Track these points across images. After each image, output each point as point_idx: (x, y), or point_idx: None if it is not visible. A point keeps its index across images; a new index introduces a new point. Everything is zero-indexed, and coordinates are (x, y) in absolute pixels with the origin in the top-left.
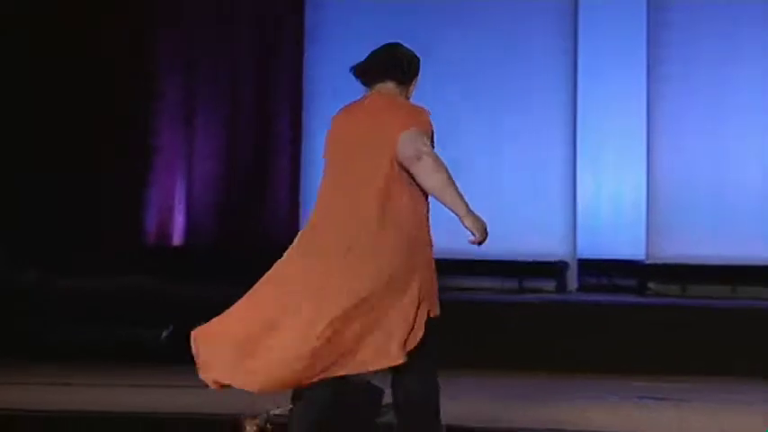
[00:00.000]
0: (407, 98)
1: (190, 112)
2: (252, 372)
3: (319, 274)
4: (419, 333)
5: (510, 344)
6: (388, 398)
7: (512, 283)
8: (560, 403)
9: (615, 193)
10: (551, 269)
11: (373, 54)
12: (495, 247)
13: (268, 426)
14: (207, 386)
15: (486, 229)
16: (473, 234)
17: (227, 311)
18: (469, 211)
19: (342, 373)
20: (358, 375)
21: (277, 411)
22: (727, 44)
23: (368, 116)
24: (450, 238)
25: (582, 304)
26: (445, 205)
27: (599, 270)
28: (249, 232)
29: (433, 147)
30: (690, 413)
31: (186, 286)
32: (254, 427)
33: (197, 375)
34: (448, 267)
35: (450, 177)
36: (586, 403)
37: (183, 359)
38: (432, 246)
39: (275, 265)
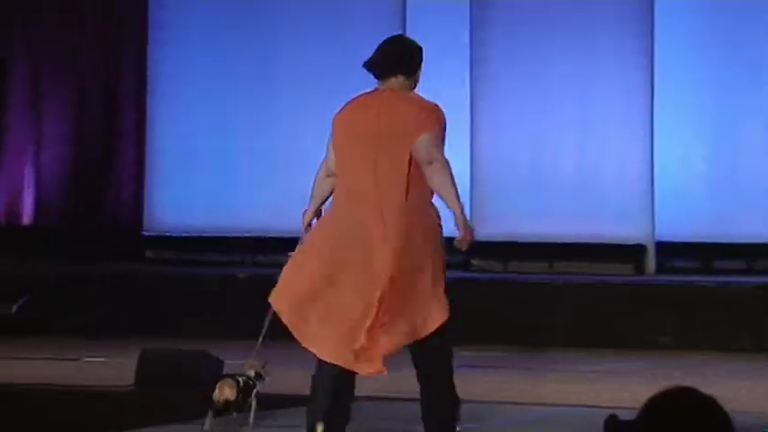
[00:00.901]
0: (415, 85)
1: (37, 98)
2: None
3: (356, 256)
4: (445, 306)
5: None
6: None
7: None
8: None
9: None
10: None
11: (381, 48)
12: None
13: (264, 371)
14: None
15: (472, 231)
16: (459, 230)
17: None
18: (463, 212)
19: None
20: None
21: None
22: (542, 41)
23: (386, 111)
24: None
25: None
26: (445, 203)
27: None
28: (96, 213)
29: (445, 136)
30: (510, 379)
31: (36, 263)
32: (253, 371)
33: (49, 347)
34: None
35: (452, 180)
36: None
37: (35, 331)
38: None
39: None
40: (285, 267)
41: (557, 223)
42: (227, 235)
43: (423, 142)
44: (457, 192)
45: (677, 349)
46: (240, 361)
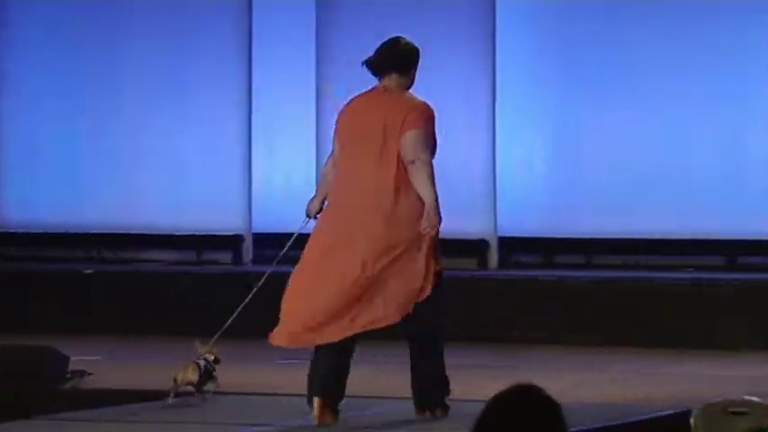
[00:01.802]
0: (411, 84)
1: None
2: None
3: (352, 237)
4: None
5: (189, 314)
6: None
7: (189, 255)
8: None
9: (288, 173)
10: (228, 241)
11: (379, 49)
12: (176, 221)
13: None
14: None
15: (436, 225)
16: (426, 221)
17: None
18: (435, 206)
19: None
20: None
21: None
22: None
23: (380, 109)
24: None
25: (257, 275)
26: (422, 195)
27: (273, 243)
28: None
29: (434, 133)
30: None
31: None
32: (212, 356)
33: None
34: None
35: (429, 179)
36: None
37: None
38: None
39: (310, 243)
40: (286, 294)
41: None
42: (72, 231)
43: (408, 140)
44: (431, 189)
45: (522, 342)
46: (92, 357)
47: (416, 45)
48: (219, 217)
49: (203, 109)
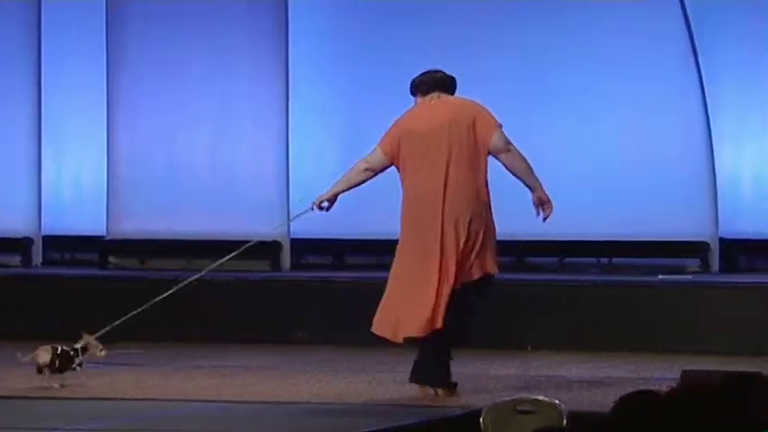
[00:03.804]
0: None
1: None
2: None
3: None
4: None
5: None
6: None
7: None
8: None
9: (77, 174)
10: (18, 244)
11: (428, 72)
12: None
13: (95, 347)
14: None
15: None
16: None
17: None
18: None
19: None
20: None
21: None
22: (178, 39)
23: (442, 113)
24: None
25: (46, 278)
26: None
27: (63, 246)
28: None
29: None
30: (144, 376)
31: None
32: (81, 344)
33: None
34: None
35: (527, 162)
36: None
37: None
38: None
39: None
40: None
41: (194, 221)
42: None
43: (497, 135)
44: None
45: (314, 344)
46: None
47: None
48: (8, 220)
49: None
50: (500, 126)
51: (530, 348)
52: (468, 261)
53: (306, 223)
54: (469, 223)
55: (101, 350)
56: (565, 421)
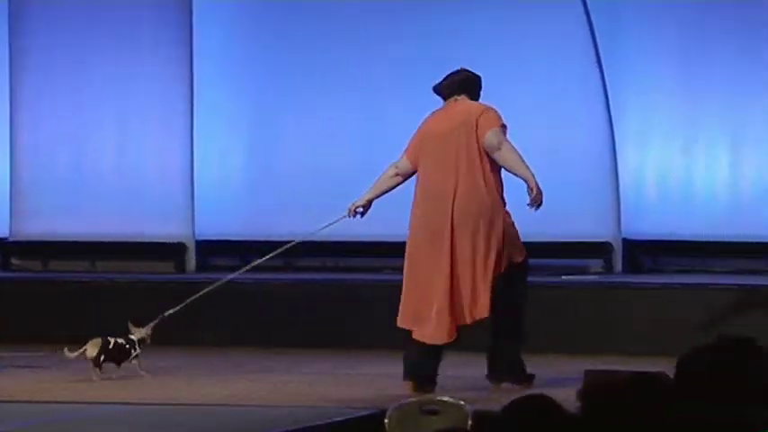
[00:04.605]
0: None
1: None
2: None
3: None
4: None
5: None
6: None
7: None
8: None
9: None
10: None
11: (447, 77)
12: None
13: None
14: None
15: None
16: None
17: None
18: (533, 177)
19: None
20: None
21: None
22: (83, 37)
23: (453, 117)
24: None
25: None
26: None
27: None
28: None
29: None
30: (46, 378)
31: None
32: (137, 336)
33: None
34: None
35: (519, 156)
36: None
37: None
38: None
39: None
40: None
41: (98, 222)
42: None
43: (491, 134)
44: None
45: (220, 346)
46: None
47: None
48: None
49: None
50: (500, 126)
51: None
52: (489, 257)
53: (211, 225)
54: (480, 222)
55: (148, 338)
56: (470, 422)
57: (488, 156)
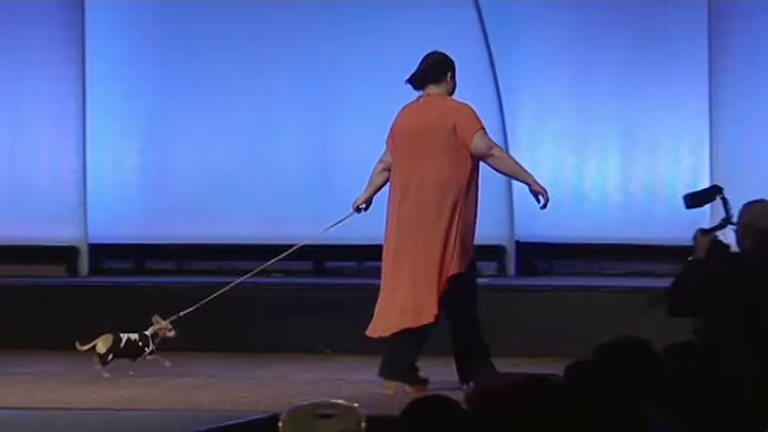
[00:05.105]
0: (453, 89)
1: None
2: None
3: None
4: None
5: None
6: None
7: None
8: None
9: None
10: None
11: (419, 65)
12: None
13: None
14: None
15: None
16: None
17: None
18: (534, 179)
19: None
20: None
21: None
22: None
23: (425, 115)
24: None
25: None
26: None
27: None
28: None
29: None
30: None
31: None
32: (151, 331)
33: None
34: None
35: (512, 158)
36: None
37: None
38: None
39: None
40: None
41: None
42: None
43: (479, 138)
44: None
45: None
46: None
47: (447, 55)
48: None
49: None
50: (480, 129)
51: (328, 351)
52: (446, 258)
53: (104, 227)
54: (442, 222)
55: (170, 331)
56: (364, 425)
57: (466, 158)
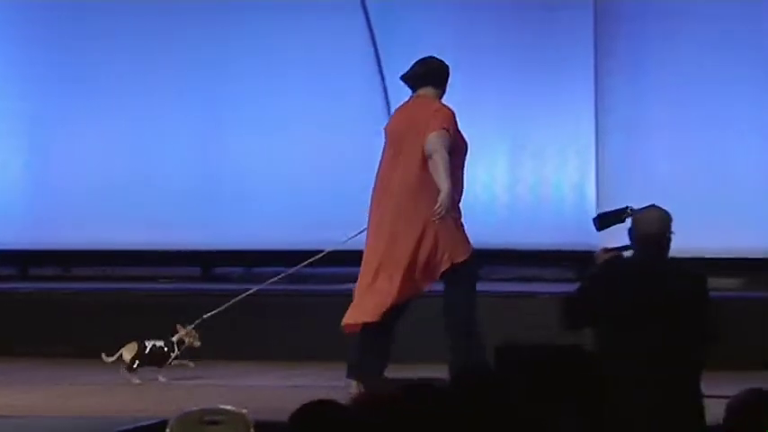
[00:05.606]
0: (443, 95)
1: None
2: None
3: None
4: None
5: None
6: None
7: None
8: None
9: None
10: None
11: (413, 66)
12: None
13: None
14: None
15: (449, 209)
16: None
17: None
18: (449, 194)
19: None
20: None
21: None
22: None
23: (411, 115)
24: None
25: None
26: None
27: None
28: None
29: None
30: None
31: None
32: (175, 338)
33: None
34: None
35: (447, 170)
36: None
37: None
38: None
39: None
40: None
41: None
42: None
43: (431, 138)
44: (446, 174)
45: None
46: None
47: (444, 62)
48: None
49: None
50: (441, 129)
51: None
52: (428, 261)
53: None
54: (418, 220)
55: (196, 339)
56: (252, 430)
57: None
